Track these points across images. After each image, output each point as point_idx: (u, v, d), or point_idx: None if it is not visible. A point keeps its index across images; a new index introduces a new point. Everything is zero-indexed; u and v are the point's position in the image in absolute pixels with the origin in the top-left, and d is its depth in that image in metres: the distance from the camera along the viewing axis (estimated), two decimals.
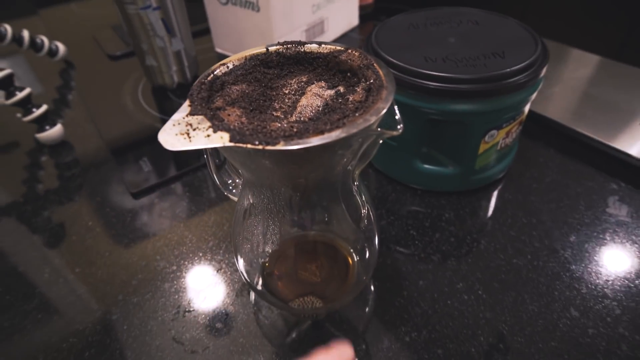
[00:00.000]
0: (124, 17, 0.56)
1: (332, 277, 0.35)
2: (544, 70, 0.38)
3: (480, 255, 0.38)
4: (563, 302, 0.34)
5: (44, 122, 0.52)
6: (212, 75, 0.26)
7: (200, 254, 0.39)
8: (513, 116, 0.39)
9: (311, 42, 0.29)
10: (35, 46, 0.66)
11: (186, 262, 0.39)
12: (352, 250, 0.35)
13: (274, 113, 0.25)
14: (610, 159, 0.46)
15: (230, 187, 0.34)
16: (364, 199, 0.30)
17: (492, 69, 0.37)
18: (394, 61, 0.38)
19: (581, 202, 0.42)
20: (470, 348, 0.31)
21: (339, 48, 0.28)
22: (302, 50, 0.28)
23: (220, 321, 0.34)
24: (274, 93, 0.27)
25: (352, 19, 0.73)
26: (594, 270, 0.36)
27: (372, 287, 0.36)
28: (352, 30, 0.74)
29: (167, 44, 0.57)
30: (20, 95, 0.51)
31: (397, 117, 0.24)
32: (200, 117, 0.22)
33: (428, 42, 0.41)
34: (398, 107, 0.24)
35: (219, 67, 0.26)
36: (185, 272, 0.38)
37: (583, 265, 0.36)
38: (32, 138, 0.54)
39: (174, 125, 0.21)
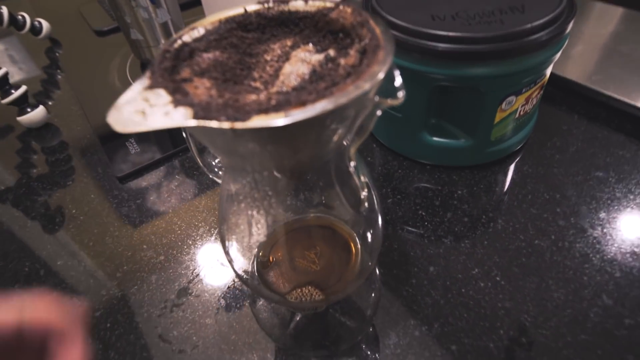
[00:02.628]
0: None
1: (333, 264, 0.32)
2: (570, 25, 0.33)
3: (497, 236, 0.34)
4: (594, 288, 0.30)
5: (24, 104, 0.49)
6: (179, 41, 0.22)
7: (190, 242, 0.36)
8: (534, 80, 0.35)
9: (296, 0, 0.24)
10: (16, 24, 0.62)
11: (174, 252, 0.36)
12: (354, 234, 0.31)
13: (252, 84, 0.21)
14: None
15: (216, 169, 0.31)
16: (362, 179, 0.26)
17: (510, 26, 0.32)
18: (397, 21, 0.34)
19: (611, 174, 0.37)
20: (489, 343, 0.28)
21: (328, 5, 0.24)
22: (286, 9, 0.24)
23: (210, 317, 0.31)
24: (254, 60, 0.23)
25: None
26: (628, 250, 0.32)
27: (378, 275, 0.33)
28: None
29: (152, 15, 0.53)
30: None
31: (397, 83, 0.20)
32: (160, 90, 0.18)
33: None
34: (402, 73, 0.20)
35: (188, 31, 0.22)
36: (174, 263, 0.35)
37: (616, 245, 0.32)
38: (14, 120, 0.51)
39: (127, 102, 0.18)
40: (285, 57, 0.23)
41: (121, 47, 0.63)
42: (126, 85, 0.56)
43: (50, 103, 0.55)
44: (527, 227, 0.34)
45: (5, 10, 0.59)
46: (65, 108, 0.54)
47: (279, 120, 0.16)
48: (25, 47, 0.68)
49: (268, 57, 0.23)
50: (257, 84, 0.21)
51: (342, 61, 0.22)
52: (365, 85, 0.17)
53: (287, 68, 0.22)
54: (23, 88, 0.49)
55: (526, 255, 0.32)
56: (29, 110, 0.49)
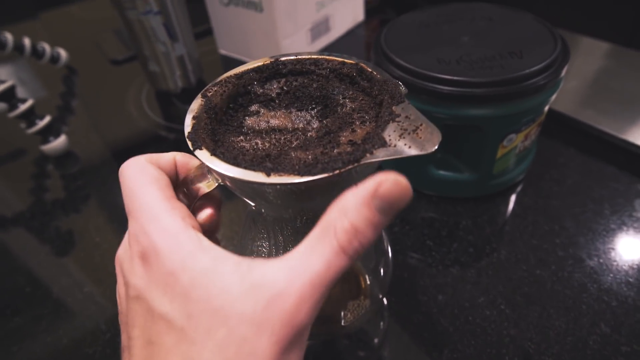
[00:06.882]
0: (124, 23, 0.54)
1: (344, 290, 0.34)
2: (565, 70, 0.36)
3: (501, 266, 0.36)
4: (592, 316, 0.32)
5: (48, 133, 0.51)
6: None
7: None
8: (532, 118, 0.37)
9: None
10: (37, 53, 0.65)
11: None
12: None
13: (295, 142, 0.22)
14: (634, 157, 0.44)
15: None
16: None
17: (510, 71, 0.34)
18: (406, 64, 0.36)
19: (606, 206, 0.40)
20: None
21: (250, 67, 0.25)
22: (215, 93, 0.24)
23: None
24: (261, 137, 0.23)
25: (357, 15, 0.71)
26: (623, 280, 0.34)
27: (386, 303, 0.35)
28: (358, 26, 0.72)
29: (169, 48, 0.56)
30: (22, 107, 0.49)
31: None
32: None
33: (440, 42, 0.39)
34: None
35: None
36: None
37: (611, 275, 0.34)
38: (37, 148, 0.53)
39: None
40: (266, 123, 0.24)
41: (136, 77, 0.66)
42: (142, 113, 0.58)
43: (66, 128, 0.57)
44: (528, 258, 0.37)
45: (28, 41, 0.62)
46: (84, 135, 0.56)
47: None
48: (36, 70, 0.70)
49: (263, 135, 0.23)
50: (295, 142, 0.22)
51: (314, 85, 0.24)
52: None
53: (288, 124, 0.23)
54: (47, 118, 0.51)
55: (528, 285, 0.35)
56: (51, 139, 0.51)
